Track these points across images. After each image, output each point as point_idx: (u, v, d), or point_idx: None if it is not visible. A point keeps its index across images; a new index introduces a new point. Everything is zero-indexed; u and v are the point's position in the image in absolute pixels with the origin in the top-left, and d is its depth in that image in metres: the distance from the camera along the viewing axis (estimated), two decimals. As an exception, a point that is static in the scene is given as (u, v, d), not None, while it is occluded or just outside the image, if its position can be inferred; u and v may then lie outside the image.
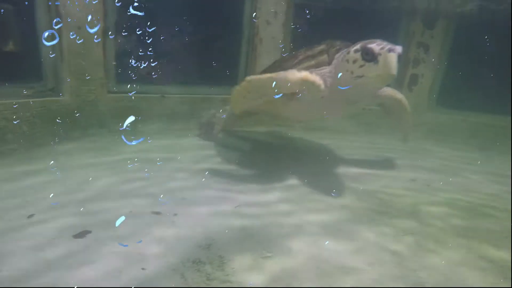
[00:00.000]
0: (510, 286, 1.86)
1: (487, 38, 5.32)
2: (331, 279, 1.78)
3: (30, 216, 2.24)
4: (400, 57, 2.36)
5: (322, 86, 2.76)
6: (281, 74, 2.74)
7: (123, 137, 4.19)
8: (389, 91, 3.31)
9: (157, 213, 2.40)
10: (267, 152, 4.40)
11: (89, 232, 2.09)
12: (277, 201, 2.74)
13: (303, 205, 2.68)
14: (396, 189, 3.19)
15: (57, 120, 3.80)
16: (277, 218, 2.44)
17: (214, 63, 5.23)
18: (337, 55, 2.86)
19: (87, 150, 3.67)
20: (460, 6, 5.31)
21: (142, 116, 4.47)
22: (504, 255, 2.12)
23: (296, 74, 2.70)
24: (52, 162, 3.24)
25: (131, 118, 3.89)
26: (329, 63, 2.93)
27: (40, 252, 1.84)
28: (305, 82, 2.71)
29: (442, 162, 4.38)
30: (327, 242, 2.14)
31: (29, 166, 3.10)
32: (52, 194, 2.56)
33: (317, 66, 2.95)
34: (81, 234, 2.05)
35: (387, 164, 4.06)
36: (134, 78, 4.41)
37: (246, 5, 5.12)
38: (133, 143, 4.01)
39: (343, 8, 5.58)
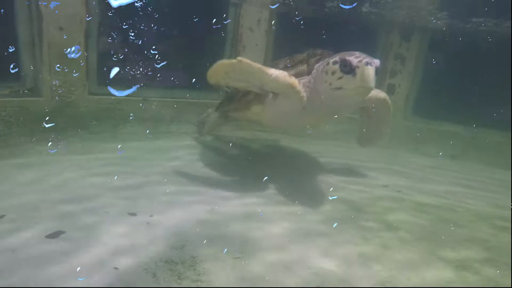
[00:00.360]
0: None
1: (458, 52, 5.61)
2: (299, 279, 1.85)
3: (1, 216, 2.23)
4: (378, 70, 2.38)
5: (304, 98, 2.76)
6: (273, 71, 2.68)
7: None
8: (372, 91, 3.24)
9: (133, 214, 2.43)
10: (251, 158, 4.48)
11: (63, 232, 2.10)
12: (252, 205, 2.81)
13: (276, 209, 2.76)
14: (368, 194, 3.32)
15: (34, 121, 3.77)
16: (250, 222, 2.51)
17: (197, 68, 5.28)
18: (316, 65, 2.84)
19: (62, 151, 3.66)
20: (432, 22, 5.57)
21: (124, 118, 4.48)
22: (458, 255, 2.25)
23: (286, 78, 2.68)
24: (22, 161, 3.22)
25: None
26: (308, 73, 2.92)
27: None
28: (291, 89, 2.70)
29: (413, 169, 4.56)
30: (295, 245, 2.23)
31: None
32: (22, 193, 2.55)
33: (296, 75, 2.91)
34: (55, 235, 2.07)
35: (361, 170, 4.20)
36: (116, 81, 4.41)
37: (230, 13, 5.22)
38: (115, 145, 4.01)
39: (324, 18, 5.75)
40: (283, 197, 3.04)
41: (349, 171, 4.10)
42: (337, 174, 3.90)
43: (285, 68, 3.12)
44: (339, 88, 2.48)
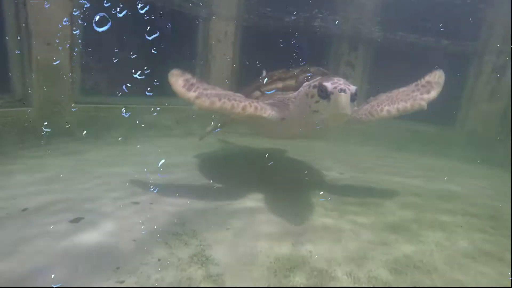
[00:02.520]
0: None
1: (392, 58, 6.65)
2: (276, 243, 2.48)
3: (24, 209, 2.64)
4: (354, 96, 2.38)
5: (268, 115, 2.80)
6: (227, 104, 2.68)
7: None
8: None
9: (136, 203, 2.93)
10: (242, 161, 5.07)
11: (83, 218, 2.57)
12: (233, 187, 3.41)
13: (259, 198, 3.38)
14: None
15: (24, 129, 4.08)
16: (237, 202, 3.10)
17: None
18: (304, 84, 2.87)
19: (49, 156, 4.03)
20: (370, 34, 6.59)
21: (107, 125, 4.87)
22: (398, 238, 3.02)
23: (235, 107, 2.68)
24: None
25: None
26: (295, 89, 2.98)
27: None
28: (247, 112, 2.73)
29: (361, 157, 5.46)
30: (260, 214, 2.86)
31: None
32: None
33: (284, 89, 3.06)
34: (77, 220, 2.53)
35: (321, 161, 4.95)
36: (98, 90, 4.80)
37: (200, 26, 5.79)
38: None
39: (285, 31, 6.50)
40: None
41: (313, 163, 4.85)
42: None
43: (277, 79, 3.26)
44: (317, 112, 2.55)
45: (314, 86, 2.55)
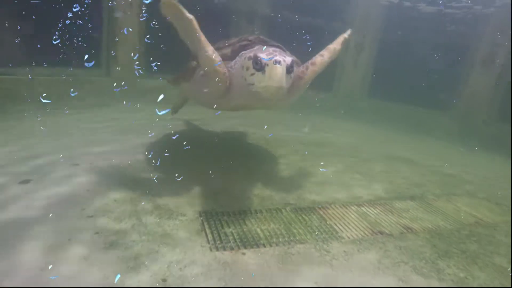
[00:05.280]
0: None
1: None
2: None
3: None
4: (290, 68, 2.28)
5: (226, 82, 2.65)
6: (208, 49, 2.50)
7: None
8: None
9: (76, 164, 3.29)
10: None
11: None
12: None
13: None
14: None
15: None
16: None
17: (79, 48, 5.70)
18: (241, 53, 2.65)
19: None
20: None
21: (10, 97, 4.72)
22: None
23: (211, 60, 2.52)
24: None
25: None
26: (230, 58, 2.78)
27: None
28: (214, 71, 2.58)
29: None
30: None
31: None
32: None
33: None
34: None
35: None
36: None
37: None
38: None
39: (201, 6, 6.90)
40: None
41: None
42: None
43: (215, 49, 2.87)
44: (252, 85, 2.36)
45: (249, 58, 2.37)
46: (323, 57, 2.90)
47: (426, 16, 8.46)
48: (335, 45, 2.98)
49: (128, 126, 4.88)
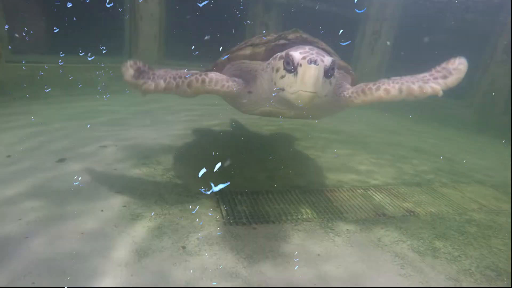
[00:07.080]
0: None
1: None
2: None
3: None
4: (329, 70, 1.90)
5: (221, 87, 2.37)
6: (171, 83, 2.33)
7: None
8: None
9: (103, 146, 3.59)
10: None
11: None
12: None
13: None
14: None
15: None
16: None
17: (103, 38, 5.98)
18: (275, 55, 2.22)
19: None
20: None
21: (40, 83, 5.06)
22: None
23: (179, 85, 2.31)
24: None
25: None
26: (263, 58, 2.46)
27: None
28: (193, 88, 2.32)
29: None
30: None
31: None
32: None
33: (251, 57, 2.54)
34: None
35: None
36: (29, 49, 4.91)
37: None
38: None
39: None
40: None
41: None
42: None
43: (247, 46, 2.73)
44: (283, 90, 2.01)
45: (281, 57, 2.04)
46: (387, 92, 2.26)
47: (442, 5, 8.33)
48: (421, 86, 2.25)
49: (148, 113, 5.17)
